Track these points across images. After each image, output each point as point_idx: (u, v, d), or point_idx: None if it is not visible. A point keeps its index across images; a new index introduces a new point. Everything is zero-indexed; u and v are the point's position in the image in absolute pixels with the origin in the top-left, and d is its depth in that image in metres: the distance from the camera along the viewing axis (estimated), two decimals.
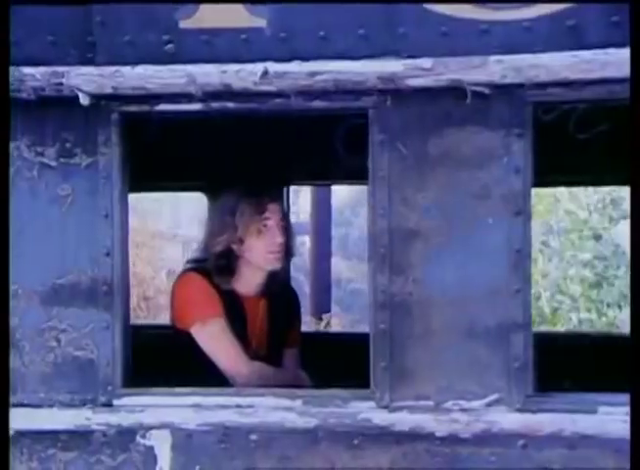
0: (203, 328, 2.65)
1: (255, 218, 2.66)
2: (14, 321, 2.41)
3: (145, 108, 2.36)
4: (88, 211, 2.39)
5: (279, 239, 2.68)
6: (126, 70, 2.29)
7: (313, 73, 2.23)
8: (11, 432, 2.36)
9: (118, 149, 2.38)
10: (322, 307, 9.71)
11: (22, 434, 2.40)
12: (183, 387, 2.42)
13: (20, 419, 2.38)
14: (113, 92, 2.31)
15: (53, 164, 2.39)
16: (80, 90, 2.30)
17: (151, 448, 2.40)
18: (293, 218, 3.05)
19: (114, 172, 2.38)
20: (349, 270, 12.94)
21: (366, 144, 2.31)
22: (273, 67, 2.24)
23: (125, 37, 2.31)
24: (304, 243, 10.18)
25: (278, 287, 2.83)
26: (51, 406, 2.40)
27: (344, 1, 2.24)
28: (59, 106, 2.36)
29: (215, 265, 2.68)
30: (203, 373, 2.60)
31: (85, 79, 2.30)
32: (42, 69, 2.30)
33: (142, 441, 2.40)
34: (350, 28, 2.23)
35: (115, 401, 2.39)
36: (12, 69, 2.30)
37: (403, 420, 2.27)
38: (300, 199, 11.27)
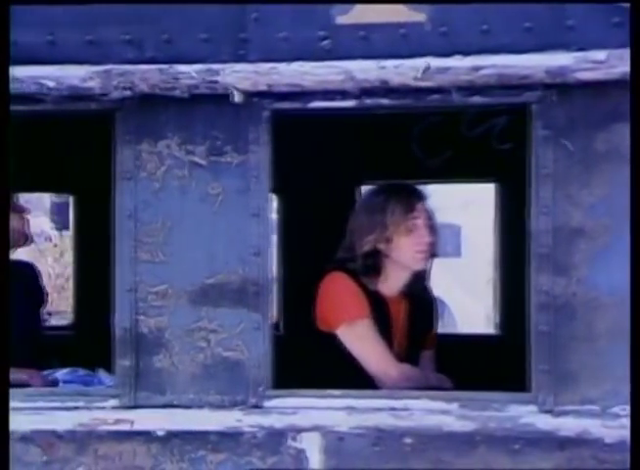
0: (350, 329, 2.61)
1: (405, 217, 2.61)
2: (163, 321, 2.39)
3: (297, 105, 2.33)
4: (238, 210, 2.36)
5: (427, 238, 2.63)
6: (282, 66, 2.25)
7: (476, 68, 2.17)
8: (161, 432, 2.37)
9: (269, 147, 2.35)
10: None
11: (173, 435, 2.38)
12: (330, 389, 2.38)
13: (170, 420, 2.37)
14: (267, 89, 2.29)
15: (203, 162, 2.37)
16: (235, 88, 2.28)
17: (302, 451, 2.36)
18: None
19: (265, 171, 2.36)
20: None
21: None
22: (433, 62, 2.19)
23: (280, 34, 2.28)
24: None
25: (419, 287, 2.78)
26: (201, 407, 2.38)
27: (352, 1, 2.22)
28: (210, 104, 2.34)
29: (363, 265, 2.64)
30: (347, 375, 2.56)
31: (240, 77, 2.27)
32: (197, 66, 2.28)
33: (293, 443, 2.36)
34: (515, 21, 2.18)
35: (266, 403, 2.36)
36: (165, 67, 2.29)
37: (568, 425, 2.20)
38: None
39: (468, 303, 12.47)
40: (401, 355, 2.70)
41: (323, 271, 2.71)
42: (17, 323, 2.77)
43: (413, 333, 2.78)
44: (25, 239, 2.80)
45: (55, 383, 2.75)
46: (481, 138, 3.23)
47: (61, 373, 2.87)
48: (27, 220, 2.79)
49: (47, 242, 12.65)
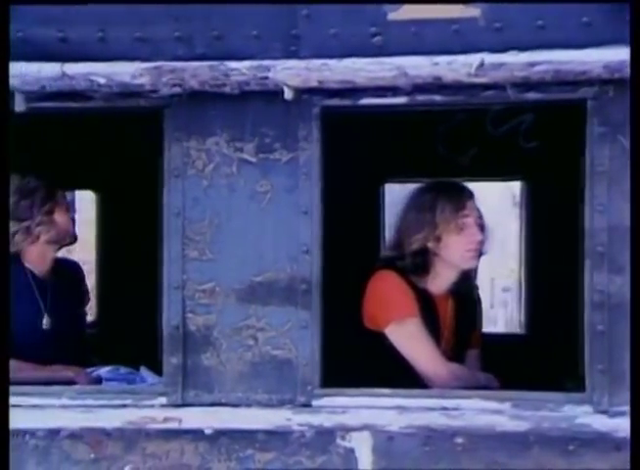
0: (399, 328, 2.59)
1: (456, 215, 2.59)
2: (211, 319, 2.38)
3: (347, 102, 2.31)
4: (287, 207, 2.35)
5: (478, 237, 2.61)
6: (333, 63, 2.24)
7: (532, 64, 2.14)
8: (209, 431, 2.35)
9: (319, 144, 2.33)
10: None
11: (221, 433, 2.37)
12: (378, 388, 2.36)
13: (218, 418, 2.35)
14: (317, 86, 2.27)
15: (252, 159, 2.36)
16: (286, 84, 2.27)
17: (351, 451, 2.34)
18: None
19: (315, 168, 2.34)
20: None
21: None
22: (488, 57, 2.17)
23: (331, 30, 2.26)
24: None
25: (466, 286, 2.76)
26: (249, 406, 2.37)
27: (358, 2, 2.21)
28: (259, 100, 2.33)
29: (411, 263, 2.61)
30: (395, 374, 2.53)
31: (291, 73, 2.25)
32: (248, 63, 2.27)
33: (342, 443, 2.35)
34: (571, 16, 2.15)
35: (315, 402, 2.34)
36: (216, 63, 2.27)
37: (624, 426, 2.17)
38: None
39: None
40: (448, 354, 2.68)
41: (370, 269, 2.69)
42: (62, 321, 2.78)
43: (460, 332, 2.76)
44: (72, 237, 2.80)
45: (98, 381, 2.75)
46: (507, 136, 3.21)
47: (103, 371, 2.86)
48: (73, 219, 2.79)
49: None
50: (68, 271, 2.86)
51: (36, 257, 2.71)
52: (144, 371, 2.88)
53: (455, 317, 2.75)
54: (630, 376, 1.99)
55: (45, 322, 2.70)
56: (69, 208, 2.80)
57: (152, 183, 4.58)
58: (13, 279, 2.65)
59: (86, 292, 2.98)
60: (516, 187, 4.67)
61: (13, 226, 2.66)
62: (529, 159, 3.38)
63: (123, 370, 2.90)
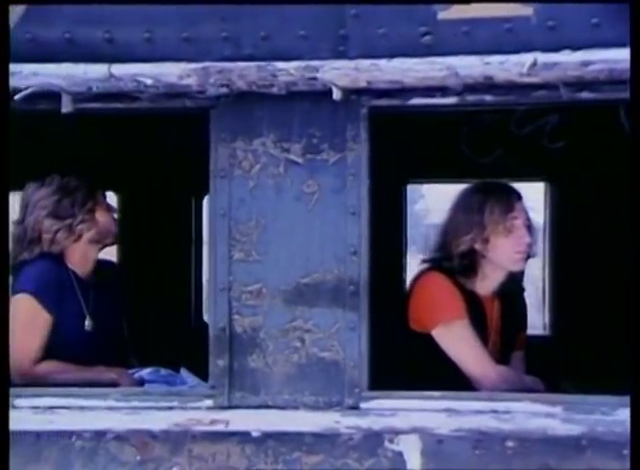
0: (447, 330, 2.56)
1: (505, 217, 2.56)
2: (257, 321, 2.37)
3: (396, 102, 2.30)
4: (335, 208, 2.33)
5: (526, 239, 2.58)
6: (382, 63, 2.22)
7: (585, 63, 2.12)
8: (257, 433, 2.34)
9: (367, 145, 2.31)
10: None
11: (268, 436, 2.35)
12: (425, 390, 2.34)
13: (265, 420, 2.34)
14: (366, 86, 2.25)
15: (299, 160, 2.34)
16: (334, 84, 2.25)
17: (400, 454, 2.32)
18: None
19: (363, 169, 2.32)
20: None
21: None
22: (541, 57, 2.14)
23: (380, 30, 2.24)
24: None
25: (513, 288, 2.73)
26: (296, 408, 2.35)
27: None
28: (307, 101, 2.31)
29: (459, 265, 2.59)
30: (442, 376, 2.51)
31: (340, 73, 2.24)
32: (295, 63, 2.25)
33: (390, 445, 2.33)
34: (626, 14, 2.11)
35: (363, 405, 2.33)
36: (263, 64, 2.26)
37: None
38: None
39: None
40: (495, 356, 2.65)
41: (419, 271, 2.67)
42: (103, 323, 2.77)
43: (506, 333, 2.73)
44: (114, 237, 2.79)
45: (141, 382, 2.74)
46: (532, 136, 3.18)
47: (144, 372, 2.85)
48: (115, 218, 2.78)
49: None
50: (109, 272, 2.85)
51: (79, 257, 2.70)
52: (184, 373, 2.87)
53: (501, 319, 2.73)
54: (631, 376, 1.97)
55: (87, 324, 2.69)
56: (111, 208, 2.79)
57: (178, 184, 4.61)
58: (57, 280, 2.65)
59: (125, 293, 2.97)
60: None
61: (55, 225, 2.66)
62: (554, 159, 3.33)
63: (164, 372, 2.89)
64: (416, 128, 3.41)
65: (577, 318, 4.15)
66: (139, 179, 4.56)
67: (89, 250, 2.74)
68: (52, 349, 2.63)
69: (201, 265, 4.88)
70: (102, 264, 2.81)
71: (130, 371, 2.79)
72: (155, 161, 4.43)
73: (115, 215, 2.82)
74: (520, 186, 2.85)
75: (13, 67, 2.30)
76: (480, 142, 3.67)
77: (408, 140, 3.91)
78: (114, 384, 2.61)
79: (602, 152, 3.84)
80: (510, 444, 2.26)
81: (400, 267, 4.56)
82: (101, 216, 2.73)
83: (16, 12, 2.32)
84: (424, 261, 2.70)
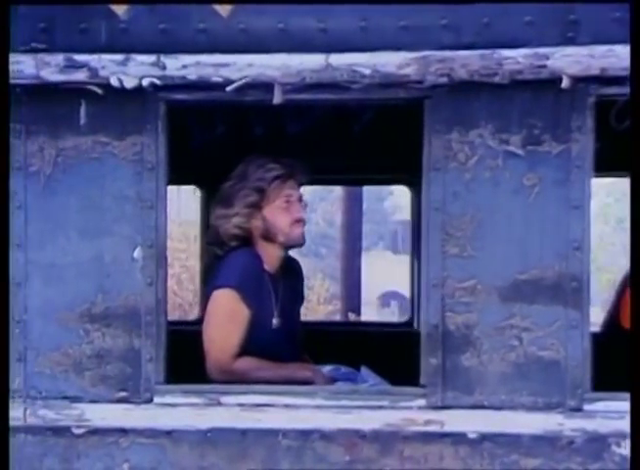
0: None
1: None
2: (471, 318, 2.29)
3: (625, 90, 2.18)
4: (557, 201, 2.25)
5: None
6: (619, 48, 2.12)
7: None
8: (474, 435, 2.26)
9: (593, 135, 2.22)
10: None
11: (484, 437, 2.27)
12: None
13: (481, 421, 2.26)
14: (599, 73, 2.16)
15: (519, 152, 2.25)
16: (564, 72, 2.16)
17: (627, 459, 2.22)
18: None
19: (588, 161, 2.23)
20: None
21: None
22: None
23: (615, 14, 2.15)
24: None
25: None
26: (513, 409, 2.27)
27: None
28: (528, 90, 2.23)
29: None
30: None
31: (571, 60, 2.15)
32: (523, 51, 2.17)
33: (617, 450, 2.23)
34: None
35: (586, 406, 2.24)
36: (488, 52, 2.17)
37: None
38: None
39: None
40: None
41: None
42: (288, 320, 2.72)
43: None
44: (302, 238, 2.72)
45: (333, 380, 2.67)
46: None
47: (325, 370, 2.79)
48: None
49: None
50: (293, 269, 2.79)
51: (271, 254, 2.65)
52: (364, 371, 2.80)
53: None
54: (631, 376, 1.92)
55: (275, 322, 2.64)
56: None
57: None
58: (255, 276, 2.60)
59: (304, 289, 2.92)
60: None
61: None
62: None
63: (344, 369, 2.82)
64: None
65: None
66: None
67: (279, 248, 2.68)
68: (245, 345, 2.58)
69: None
70: (287, 261, 2.76)
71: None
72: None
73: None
74: None
75: (223, 58, 2.26)
76: None
77: None
78: (307, 382, 2.55)
79: None
80: None
81: None
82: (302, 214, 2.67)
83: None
84: None
